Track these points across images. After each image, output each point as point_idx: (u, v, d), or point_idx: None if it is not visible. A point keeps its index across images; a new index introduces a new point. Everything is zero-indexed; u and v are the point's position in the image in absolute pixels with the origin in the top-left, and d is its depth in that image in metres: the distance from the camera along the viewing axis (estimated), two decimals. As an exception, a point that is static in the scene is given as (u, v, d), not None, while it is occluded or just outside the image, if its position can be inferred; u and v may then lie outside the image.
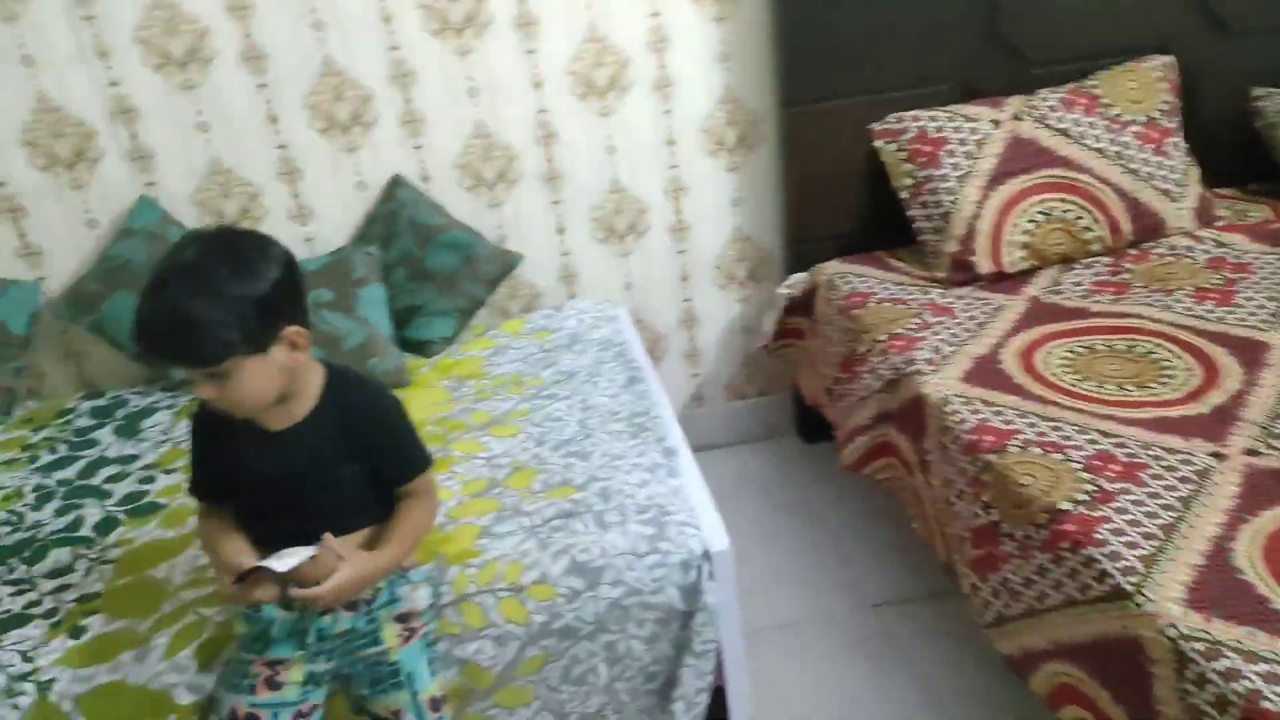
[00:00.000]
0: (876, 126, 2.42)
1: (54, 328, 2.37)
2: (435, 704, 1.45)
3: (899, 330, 2.10)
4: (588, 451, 1.87)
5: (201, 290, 1.20)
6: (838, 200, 2.53)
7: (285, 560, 1.30)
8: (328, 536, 1.33)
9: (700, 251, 2.62)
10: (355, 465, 1.39)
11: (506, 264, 2.43)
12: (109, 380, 2.44)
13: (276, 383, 1.30)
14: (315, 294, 2.27)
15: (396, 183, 2.37)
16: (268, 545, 1.36)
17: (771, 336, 2.58)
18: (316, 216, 2.39)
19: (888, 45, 2.37)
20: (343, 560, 1.34)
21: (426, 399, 2.16)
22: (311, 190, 2.37)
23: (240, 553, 1.37)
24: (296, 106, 2.29)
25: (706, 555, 1.60)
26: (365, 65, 2.28)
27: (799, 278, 2.54)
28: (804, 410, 2.81)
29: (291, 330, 1.29)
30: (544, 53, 2.34)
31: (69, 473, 2.02)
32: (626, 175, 2.50)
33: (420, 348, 2.39)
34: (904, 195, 2.39)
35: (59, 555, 1.74)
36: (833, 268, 2.45)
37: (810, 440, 2.83)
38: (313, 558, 1.32)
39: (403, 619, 1.46)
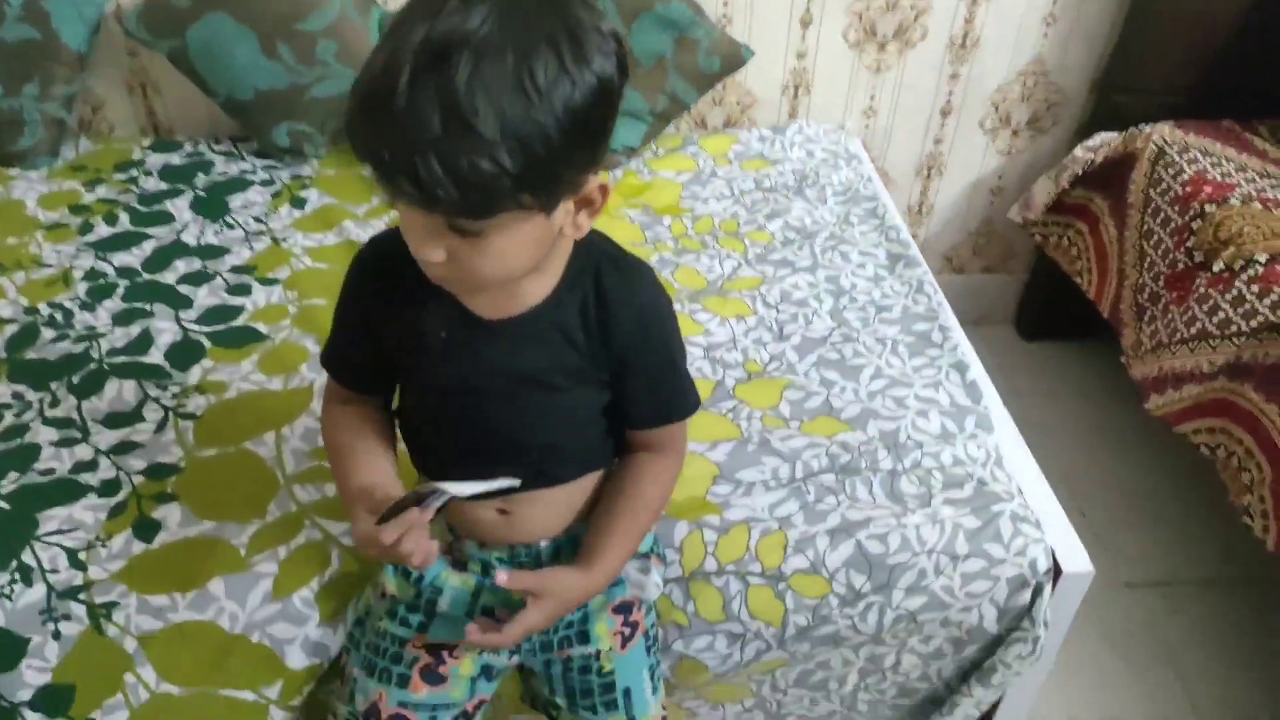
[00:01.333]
0: (1300, -62, 1.67)
1: (121, 47, 1.78)
2: (658, 730, 1.01)
3: (1288, 252, 1.48)
4: (853, 364, 1.33)
5: (506, 87, 0.64)
6: (1194, 44, 1.81)
7: (463, 486, 0.81)
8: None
9: (979, 80, 1.93)
10: (596, 385, 0.87)
11: (732, 60, 1.78)
12: (185, 125, 1.87)
13: (536, 256, 0.76)
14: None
15: (603, -86, 1.68)
16: (439, 475, 0.86)
17: (1042, 209, 1.96)
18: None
19: None
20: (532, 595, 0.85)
21: (611, 234, 1.59)
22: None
23: (383, 476, 0.88)
24: None
25: (1053, 573, 1.10)
26: None
27: (1107, 138, 1.87)
28: (1033, 300, 2.23)
29: (596, 183, 0.74)
30: None
31: (133, 258, 1.51)
32: (914, -45, 1.79)
33: (595, 154, 1.79)
34: (1309, 49, 1.68)
35: (121, 391, 1.26)
36: (1166, 134, 1.78)
37: (1030, 338, 2.26)
38: (501, 499, 0.86)
39: (623, 610, 0.98)
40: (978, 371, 1.33)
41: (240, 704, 0.99)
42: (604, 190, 0.75)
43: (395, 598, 0.96)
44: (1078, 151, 1.89)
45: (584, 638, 0.96)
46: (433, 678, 0.94)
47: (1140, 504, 1.85)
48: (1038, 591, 1.09)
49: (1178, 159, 1.72)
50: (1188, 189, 1.66)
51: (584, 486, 0.93)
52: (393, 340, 0.87)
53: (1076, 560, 1.10)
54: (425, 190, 0.65)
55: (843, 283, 1.49)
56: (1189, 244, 1.62)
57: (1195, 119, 1.83)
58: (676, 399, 0.91)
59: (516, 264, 0.75)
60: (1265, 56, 1.79)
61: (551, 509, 0.92)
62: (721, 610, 1.06)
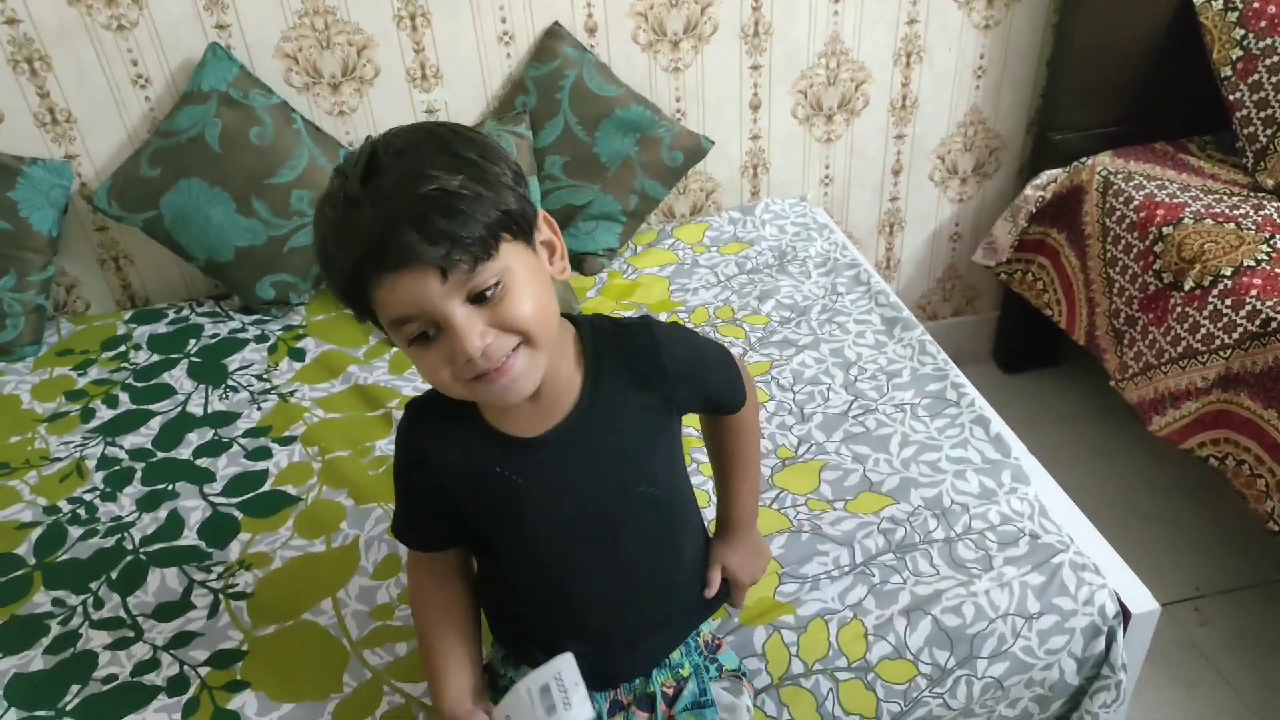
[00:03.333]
0: (1203, -24, 1.81)
1: (89, 224, 1.77)
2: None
3: (1249, 262, 1.58)
4: (879, 434, 1.37)
5: (442, 160, 0.73)
6: (1115, 76, 1.94)
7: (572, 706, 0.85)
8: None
9: (922, 138, 2.04)
10: (670, 438, 0.93)
11: (694, 152, 1.84)
12: (160, 292, 1.86)
13: (550, 297, 0.80)
14: (450, 189, 1.68)
15: (555, 35, 1.74)
16: (565, 619, 0.93)
17: (1009, 250, 2.05)
18: (444, 80, 1.76)
19: None
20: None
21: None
22: (441, 42, 1.73)
23: (467, 679, 0.92)
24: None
25: (1121, 615, 1.13)
26: None
27: (1053, 174, 1.98)
28: (1007, 335, 2.32)
29: (543, 221, 0.82)
30: None
31: (142, 438, 1.48)
32: (850, 32, 1.88)
33: (577, 264, 1.83)
34: (1226, 72, 1.81)
35: (164, 581, 1.23)
36: (1107, 164, 1.89)
37: (1010, 370, 2.34)
38: None
39: (729, 732, 0.99)
40: (999, 424, 1.38)
41: None
42: (553, 229, 0.82)
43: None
44: (1028, 191, 1.99)
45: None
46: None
47: (1153, 522, 1.90)
48: (1111, 637, 1.12)
49: (1125, 186, 1.83)
50: (1141, 215, 1.77)
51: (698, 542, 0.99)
52: (464, 493, 0.88)
53: (1141, 599, 1.14)
54: (437, 240, 0.70)
55: (848, 354, 1.53)
56: (1155, 266, 1.71)
57: (1129, 145, 1.95)
58: (733, 378, 0.96)
59: (543, 300, 0.78)
60: (1180, 77, 1.92)
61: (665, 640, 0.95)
62: (815, 711, 1.07)
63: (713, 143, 1.85)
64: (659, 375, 0.87)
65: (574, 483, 0.87)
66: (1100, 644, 1.12)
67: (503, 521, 0.88)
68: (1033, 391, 2.26)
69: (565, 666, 0.87)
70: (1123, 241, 1.80)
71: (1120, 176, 1.85)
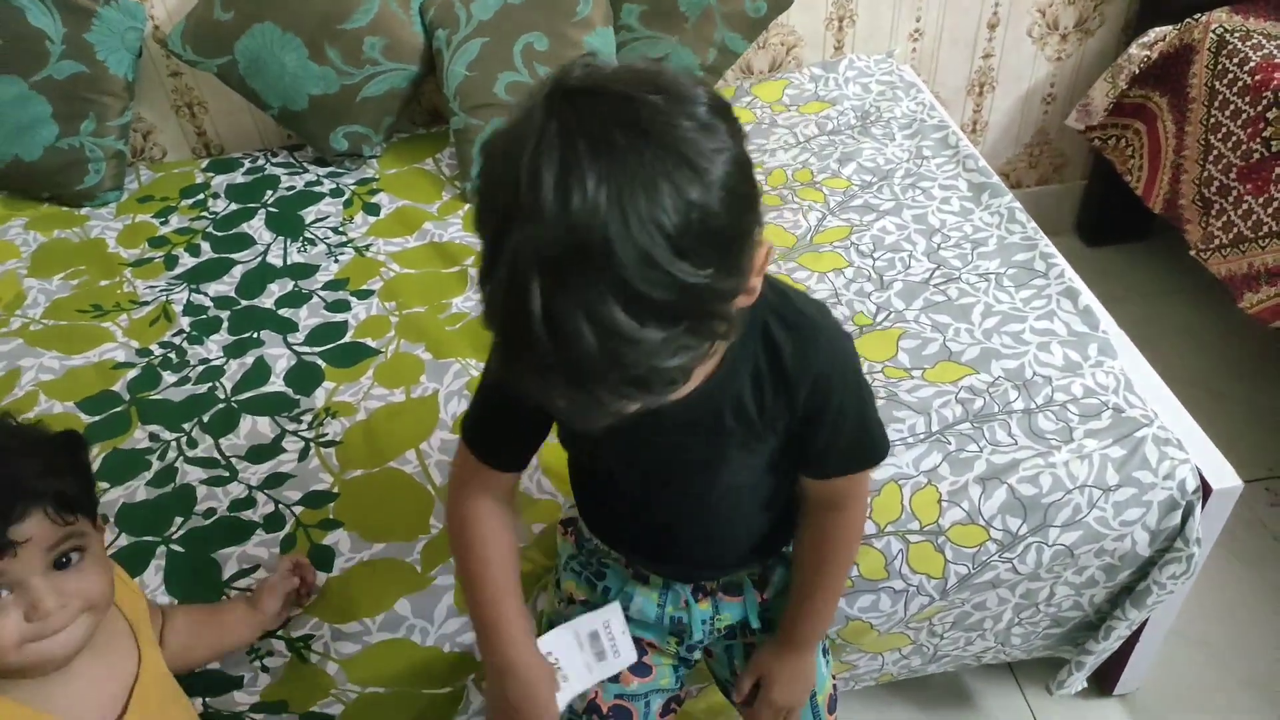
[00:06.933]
0: None
1: (164, 69, 1.75)
2: (832, 703, 1.04)
3: (1372, 133, 1.48)
4: (961, 304, 1.34)
5: (646, 260, 0.53)
6: (1244, -80, 1.77)
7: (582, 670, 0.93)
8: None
9: (1023, -12, 1.90)
10: (769, 446, 0.83)
11: (779, 2, 1.74)
12: (235, 141, 1.86)
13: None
14: (522, 39, 1.63)
15: None
16: (627, 527, 0.95)
17: (1103, 113, 1.94)
18: (521, -80, 1.68)
19: None
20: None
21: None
22: (521, -122, 1.64)
23: (525, 637, 0.88)
24: None
25: (1201, 491, 1.12)
26: None
27: (1162, 32, 1.84)
28: (1093, 206, 2.23)
29: (765, 249, 0.64)
30: None
31: (226, 286, 1.51)
32: None
33: (651, 117, 1.77)
34: (1372, -82, 1.64)
35: (255, 427, 1.28)
36: (1224, 20, 1.75)
37: (1093, 244, 2.26)
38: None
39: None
40: (1089, 296, 1.34)
41: (439, 695, 1.05)
42: (768, 250, 0.65)
43: (587, 601, 1.00)
44: (1133, 49, 1.87)
45: (764, 626, 1.00)
46: (641, 669, 0.98)
47: (1230, 401, 1.86)
48: (1188, 511, 1.12)
49: (1241, 46, 1.70)
50: (1257, 78, 1.64)
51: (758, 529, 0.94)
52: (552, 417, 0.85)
53: (1223, 475, 1.12)
54: (613, 414, 0.60)
55: (931, 220, 1.49)
56: (1265, 134, 1.61)
57: (1250, 1, 1.80)
58: (861, 450, 0.85)
59: (704, 371, 0.71)
60: (1319, -72, 1.75)
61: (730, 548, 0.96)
62: (884, 569, 1.09)
63: (798, -8, 1.76)
64: (792, 388, 0.77)
65: (684, 433, 0.80)
66: (1176, 518, 1.12)
67: (614, 443, 0.78)
68: (1115, 266, 2.18)
69: (614, 615, 0.93)
70: (1231, 106, 1.68)
71: (1237, 35, 1.72)
